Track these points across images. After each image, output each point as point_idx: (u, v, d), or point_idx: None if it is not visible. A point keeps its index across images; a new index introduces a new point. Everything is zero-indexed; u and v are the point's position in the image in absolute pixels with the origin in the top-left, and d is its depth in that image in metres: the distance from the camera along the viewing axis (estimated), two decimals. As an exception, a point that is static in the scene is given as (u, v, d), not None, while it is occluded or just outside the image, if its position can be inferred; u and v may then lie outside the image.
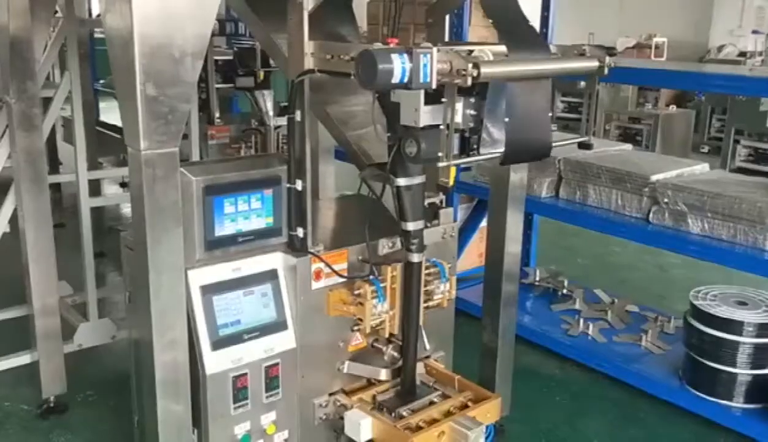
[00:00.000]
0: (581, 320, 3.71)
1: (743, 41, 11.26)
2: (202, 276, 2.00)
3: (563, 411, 3.28)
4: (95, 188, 5.00)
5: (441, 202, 2.43)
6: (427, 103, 1.78)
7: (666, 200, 3.10)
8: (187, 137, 3.76)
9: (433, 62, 1.59)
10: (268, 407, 2.12)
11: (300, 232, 2.11)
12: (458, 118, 1.84)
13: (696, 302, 3.07)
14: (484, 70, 1.61)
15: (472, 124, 1.85)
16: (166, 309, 1.89)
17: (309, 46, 2.02)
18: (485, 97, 1.82)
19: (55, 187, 5.03)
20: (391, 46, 1.62)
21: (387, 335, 2.22)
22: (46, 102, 3.29)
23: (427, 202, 2.37)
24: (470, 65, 1.59)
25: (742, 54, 10.78)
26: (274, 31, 2.27)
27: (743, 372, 2.98)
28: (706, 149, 9.45)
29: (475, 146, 1.91)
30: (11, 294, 3.46)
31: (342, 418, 2.21)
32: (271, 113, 4.41)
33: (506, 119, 1.73)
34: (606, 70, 1.93)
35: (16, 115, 2.81)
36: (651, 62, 4.61)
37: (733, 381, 3.00)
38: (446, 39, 2.66)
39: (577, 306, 3.92)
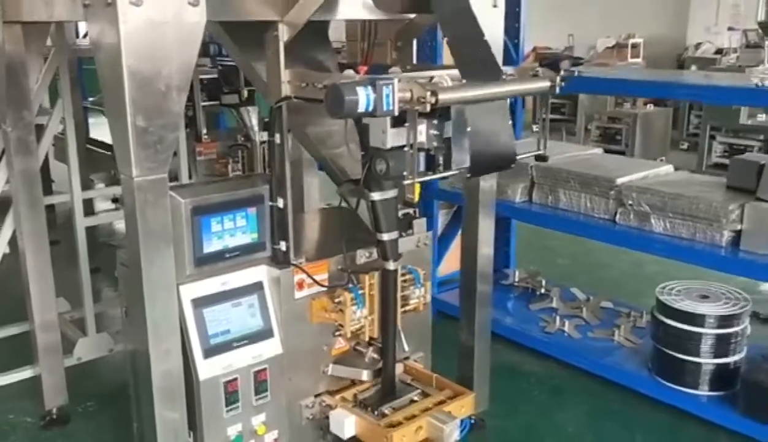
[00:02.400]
0: (558, 318, 3.89)
1: (720, 38, 11.51)
2: (192, 290, 2.16)
3: (542, 405, 3.45)
4: (88, 206, 5.15)
5: (415, 212, 2.60)
6: (394, 125, 1.95)
7: (630, 202, 3.28)
8: (176, 155, 3.92)
9: (394, 92, 1.77)
10: (257, 409, 2.28)
11: (283, 245, 2.28)
12: (423, 139, 2.02)
13: (661, 297, 3.25)
14: (442, 96, 1.79)
15: (436, 144, 2.03)
16: (160, 322, 2.05)
17: (285, 74, 2.20)
18: (449, 118, 2.00)
19: (50, 206, 5.16)
20: (358, 78, 1.79)
21: (367, 339, 2.39)
22: (40, 128, 3.44)
23: (401, 213, 2.56)
24: (428, 93, 1.76)
25: (719, 51, 11.03)
26: (253, 60, 2.44)
27: (707, 362, 3.15)
28: (685, 146, 9.66)
29: (440, 163, 2.09)
30: (13, 311, 3.60)
31: (327, 417, 2.39)
32: (256, 129, 4.58)
33: (468, 138, 1.90)
34: (557, 89, 2.11)
35: (12, 142, 2.95)
36: (612, 71, 4.80)
37: (698, 370, 3.17)
38: (415, 60, 2.82)
39: (554, 304, 4.09)
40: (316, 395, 2.43)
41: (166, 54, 1.90)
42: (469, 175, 2.01)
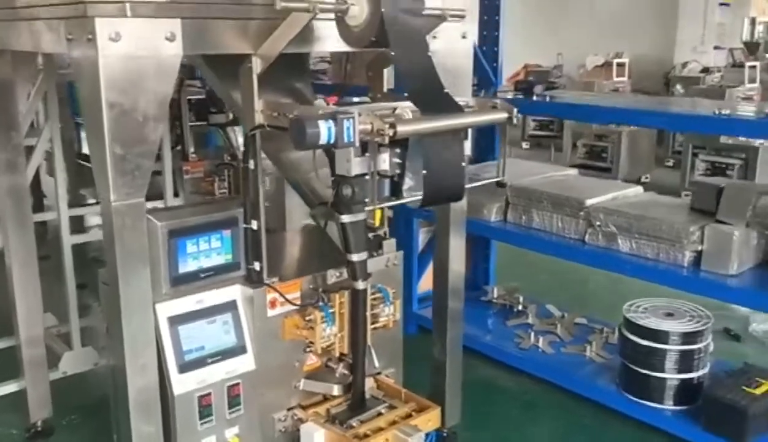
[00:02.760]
0: (533, 334, 4.00)
1: (706, 57, 11.70)
2: (168, 308, 2.27)
3: (514, 419, 3.56)
4: (78, 221, 5.27)
5: (385, 233, 2.72)
6: (358, 154, 2.07)
7: (598, 223, 3.41)
8: (161, 173, 4.05)
9: (355, 125, 1.88)
10: (231, 422, 2.38)
11: (257, 265, 2.39)
12: (386, 166, 2.14)
13: (628, 315, 3.37)
14: (400, 129, 1.91)
15: (399, 171, 2.14)
16: (137, 339, 2.14)
17: (259, 104, 2.31)
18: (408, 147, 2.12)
19: (41, 223, 5.26)
20: (321, 111, 1.91)
21: (337, 355, 2.49)
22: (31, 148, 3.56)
23: (372, 234, 2.68)
24: (387, 126, 1.88)
25: (705, 70, 11.21)
26: (231, 89, 2.56)
27: (671, 377, 3.26)
28: (670, 163, 9.81)
29: (404, 189, 2.20)
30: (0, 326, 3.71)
31: (299, 430, 2.49)
32: (242, 148, 4.68)
33: (423, 170, 2.03)
34: (514, 121, 2.24)
35: (1, 163, 3.07)
36: (582, 96, 4.93)
37: (663, 386, 3.28)
38: (394, 85, 2.95)
39: (530, 321, 4.21)
40: (289, 409, 2.53)
41: (143, 86, 2.02)
42: (420, 206, 2.12)
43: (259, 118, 2.31)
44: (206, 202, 3.98)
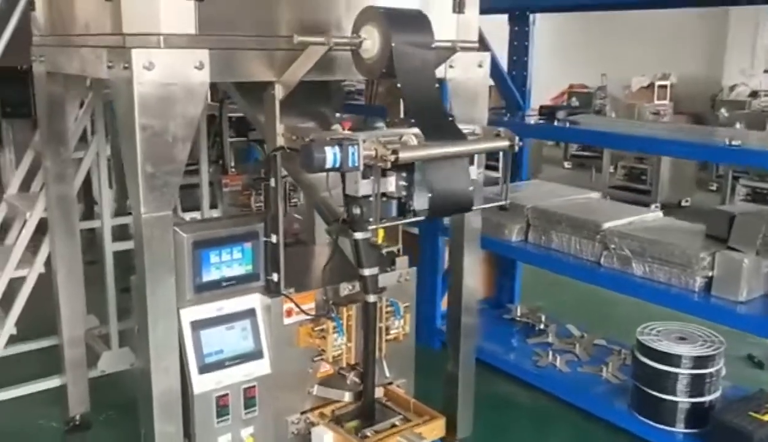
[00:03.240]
0: (551, 353, 4.09)
1: (755, 80, 11.53)
2: (191, 314, 2.46)
3: (527, 435, 3.66)
4: (124, 229, 5.55)
5: (398, 251, 2.87)
6: (365, 177, 2.24)
7: (613, 246, 3.49)
8: (199, 186, 4.30)
9: (360, 151, 2.05)
10: (246, 422, 2.56)
11: (275, 277, 2.57)
12: (393, 188, 2.30)
13: (641, 338, 3.44)
14: (402, 155, 2.07)
15: (405, 193, 2.30)
16: (161, 342, 2.33)
17: (280, 127, 2.50)
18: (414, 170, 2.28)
19: (91, 230, 5.56)
20: (329, 138, 2.08)
21: (344, 364, 2.65)
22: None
23: (386, 251, 2.84)
24: (389, 152, 2.05)
25: (753, 93, 11.06)
26: (257, 112, 2.75)
27: (683, 400, 3.32)
28: (714, 187, 9.72)
29: (412, 209, 2.36)
30: (45, 325, 3.98)
31: (311, 433, 2.66)
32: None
33: (428, 193, 2.19)
34: (516, 148, 2.37)
35: (50, 175, 3.32)
36: (600, 122, 5.01)
37: (674, 408, 3.34)
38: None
39: (549, 340, 4.29)
40: (302, 413, 2.69)
41: (173, 111, 2.22)
42: (426, 217, 2.27)
43: (280, 141, 2.50)
44: (230, 216, 4.20)
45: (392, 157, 2.05)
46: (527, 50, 4.57)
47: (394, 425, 2.66)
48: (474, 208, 2.40)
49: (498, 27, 4.56)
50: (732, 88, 11.69)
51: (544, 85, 12.45)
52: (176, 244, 2.37)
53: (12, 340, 3.81)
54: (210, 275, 2.49)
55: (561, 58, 12.53)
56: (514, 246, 4.01)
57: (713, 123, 9.78)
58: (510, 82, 4.54)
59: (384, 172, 2.19)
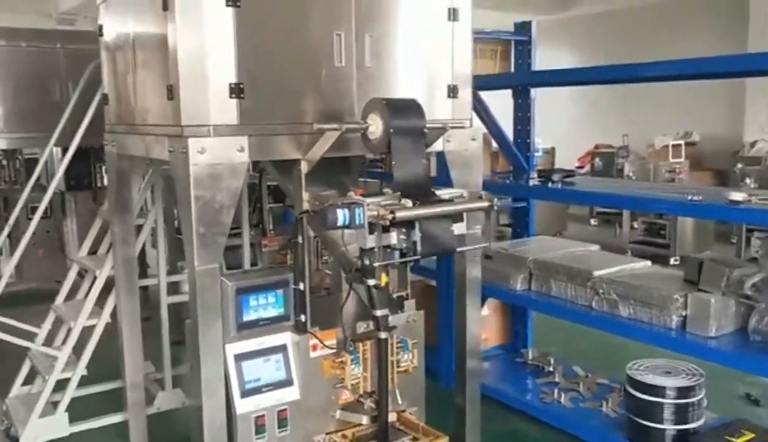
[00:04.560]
0: (556, 390, 4.51)
1: (772, 137, 11.85)
2: (235, 348, 3.01)
3: (533, 462, 4.08)
4: (176, 286, 6.18)
5: (407, 295, 3.40)
6: (372, 232, 2.78)
7: (602, 291, 3.96)
8: (241, 247, 4.91)
9: (365, 212, 2.62)
10: (280, 440, 3.07)
11: (302, 317, 3.10)
12: (395, 241, 2.84)
13: (629, 372, 3.86)
14: (398, 215, 2.63)
15: (405, 244, 2.84)
16: (211, 373, 2.87)
17: (306, 194, 3.09)
18: (414, 227, 2.83)
19: (144, 288, 6.20)
20: (342, 202, 2.65)
21: (362, 392, 3.15)
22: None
23: (396, 295, 3.36)
24: (388, 213, 2.60)
25: (771, 149, 11.38)
26: (289, 182, 3.33)
27: (669, 428, 3.71)
28: (734, 239, 10.00)
29: (411, 257, 2.89)
30: (112, 369, 4.57)
31: (334, 451, 3.15)
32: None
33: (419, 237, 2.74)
34: (494, 208, 2.91)
35: (117, 238, 3.96)
36: (594, 183, 5.52)
37: (662, 436, 3.73)
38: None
39: (556, 379, 4.72)
40: (327, 433, 3.19)
41: (220, 185, 2.81)
42: (418, 257, 2.80)
43: (305, 206, 3.08)
44: (265, 267, 4.78)
45: (390, 217, 2.60)
46: (530, 120, 5.13)
47: (401, 443, 3.13)
48: (458, 249, 2.92)
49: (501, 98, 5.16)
50: (753, 144, 12.04)
51: (575, 146, 13.04)
52: (222, 291, 2.94)
53: (83, 381, 4.40)
54: (249, 316, 3.04)
55: (589, 121, 13.06)
56: (519, 294, 4.49)
57: (732, 179, 10.12)
58: (515, 149, 5.09)
59: (386, 228, 2.75)
